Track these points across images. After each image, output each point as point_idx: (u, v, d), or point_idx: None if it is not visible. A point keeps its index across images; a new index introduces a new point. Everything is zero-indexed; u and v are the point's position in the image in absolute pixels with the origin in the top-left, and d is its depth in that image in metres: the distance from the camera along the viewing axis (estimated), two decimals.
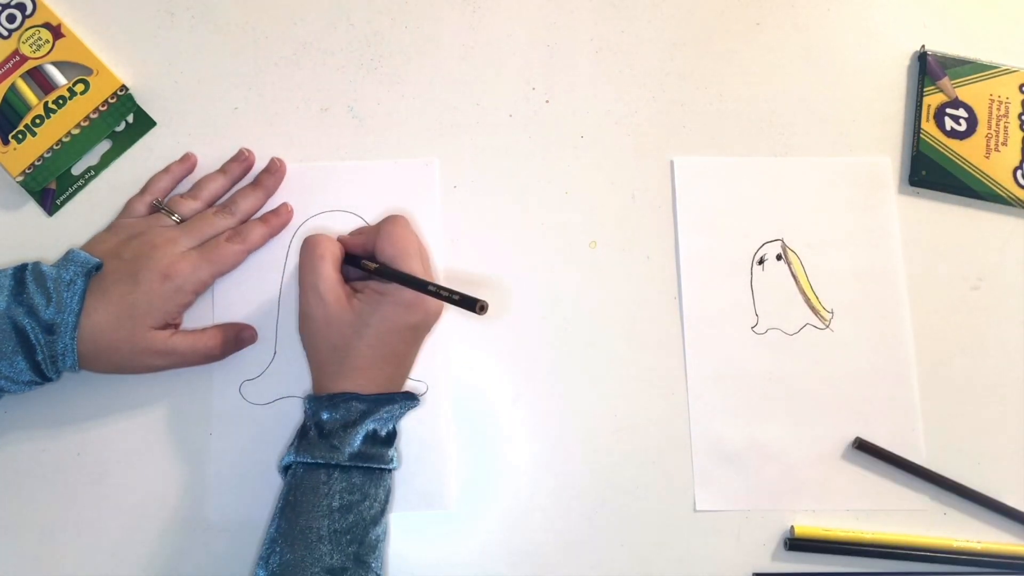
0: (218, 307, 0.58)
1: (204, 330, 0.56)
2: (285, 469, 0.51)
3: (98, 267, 0.53)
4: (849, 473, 0.58)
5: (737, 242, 0.61)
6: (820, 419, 0.59)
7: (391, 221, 0.54)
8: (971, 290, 0.61)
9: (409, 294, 0.51)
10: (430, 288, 0.49)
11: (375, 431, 0.51)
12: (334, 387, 0.51)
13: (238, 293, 0.59)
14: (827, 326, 0.60)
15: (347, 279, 0.55)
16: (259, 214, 0.59)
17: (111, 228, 0.58)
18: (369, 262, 0.53)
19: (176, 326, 0.56)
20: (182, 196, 0.58)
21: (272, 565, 0.47)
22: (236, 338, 0.57)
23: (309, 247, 0.54)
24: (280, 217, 0.59)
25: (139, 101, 0.61)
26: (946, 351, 0.61)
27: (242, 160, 0.60)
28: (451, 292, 0.47)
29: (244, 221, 0.58)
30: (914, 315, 0.61)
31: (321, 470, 0.49)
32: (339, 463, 0.49)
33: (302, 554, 0.47)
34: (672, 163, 0.62)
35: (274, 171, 0.60)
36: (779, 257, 0.61)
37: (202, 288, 0.55)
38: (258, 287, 0.59)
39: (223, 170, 0.60)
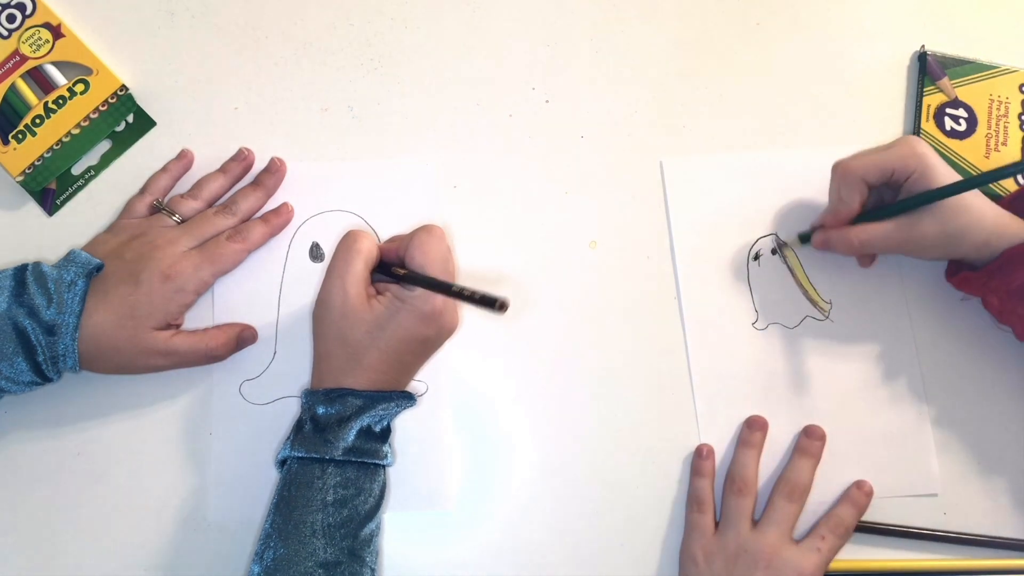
0: (218, 307, 0.58)
1: (205, 330, 0.56)
2: (281, 463, 0.51)
3: (99, 268, 0.53)
4: (858, 464, 0.58)
5: (731, 239, 0.61)
6: (826, 412, 0.59)
7: (425, 230, 0.52)
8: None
9: (427, 307, 0.50)
10: (452, 289, 0.49)
11: (369, 426, 0.51)
12: (335, 382, 0.51)
13: (238, 293, 0.59)
14: (827, 317, 0.60)
15: (373, 283, 0.54)
16: (260, 213, 0.59)
17: (112, 229, 0.58)
18: (399, 268, 0.53)
19: (177, 326, 0.56)
20: (182, 196, 0.58)
21: (266, 560, 0.47)
22: (237, 338, 0.57)
23: (348, 240, 0.53)
24: (281, 216, 0.59)
25: (139, 101, 0.61)
26: (949, 335, 0.60)
27: (242, 159, 0.60)
28: (472, 292, 0.48)
29: (245, 220, 0.58)
30: (914, 302, 0.61)
31: (316, 465, 0.49)
32: (333, 458, 0.49)
33: (296, 548, 0.47)
34: (661, 163, 0.62)
35: (274, 171, 0.60)
36: (774, 251, 0.61)
37: (203, 288, 0.55)
38: (258, 287, 0.59)
39: (223, 170, 0.60)
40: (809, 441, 0.58)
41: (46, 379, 0.52)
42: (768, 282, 0.61)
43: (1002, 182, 0.62)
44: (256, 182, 0.60)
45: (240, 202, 0.58)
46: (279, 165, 0.60)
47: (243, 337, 0.57)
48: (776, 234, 0.62)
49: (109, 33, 0.62)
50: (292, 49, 0.63)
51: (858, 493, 0.57)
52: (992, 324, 0.60)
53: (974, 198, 0.54)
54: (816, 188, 0.62)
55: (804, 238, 0.60)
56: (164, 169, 0.60)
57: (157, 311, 0.53)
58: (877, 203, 0.58)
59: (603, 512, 0.57)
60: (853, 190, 0.56)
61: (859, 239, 0.56)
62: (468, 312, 0.59)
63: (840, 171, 0.57)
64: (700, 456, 0.58)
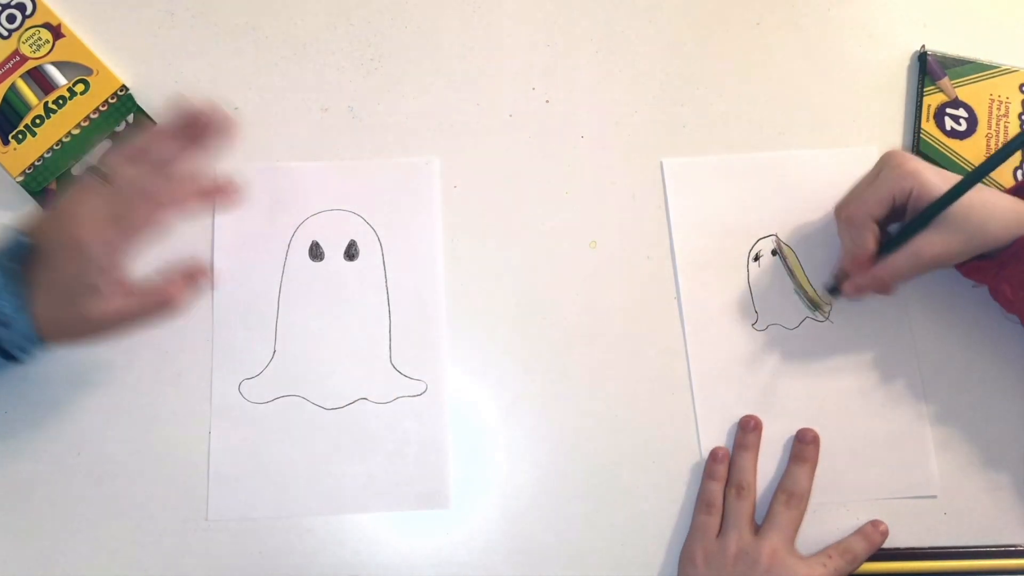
0: (218, 305, 0.58)
1: (152, 283, 0.52)
2: None
3: (28, 250, 0.50)
4: (858, 465, 0.58)
5: (732, 239, 0.61)
6: (826, 413, 0.59)
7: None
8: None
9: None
10: None
11: None
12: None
13: (238, 292, 0.59)
14: (827, 318, 0.60)
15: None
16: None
17: (47, 205, 0.56)
18: None
19: (126, 286, 0.52)
20: (118, 158, 0.53)
21: None
22: (186, 282, 0.53)
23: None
24: (217, 185, 0.55)
25: (139, 101, 0.61)
26: (949, 337, 0.60)
27: (184, 114, 0.52)
28: None
29: (176, 178, 0.52)
30: (914, 303, 0.61)
31: None
32: None
33: None
34: (661, 164, 0.62)
35: (209, 123, 0.52)
36: (774, 252, 0.61)
37: (116, 253, 0.50)
38: (258, 286, 0.59)
39: (163, 128, 0.53)
40: (803, 446, 0.57)
41: (18, 360, 0.51)
42: (768, 283, 0.61)
43: (994, 176, 0.62)
44: (187, 137, 0.52)
45: (166, 159, 0.52)
46: (217, 115, 0.52)
47: (193, 279, 0.53)
48: (776, 235, 0.62)
49: (109, 33, 0.63)
50: (292, 49, 0.63)
51: (873, 530, 0.56)
52: (995, 319, 0.60)
53: (979, 193, 0.53)
54: (816, 189, 0.62)
55: (833, 291, 0.59)
56: (122, 145, 0.55)
57: (84, 285, 0.50)
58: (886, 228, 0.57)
59: (602, 512, 0.57)
60: (864, 232, 0.55)
61: (889, 275, 0.55)
62: (467, 311, 0.59)
63: (845, 217, 0.57)
64: (714, 459, 0.57)
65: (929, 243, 0.54)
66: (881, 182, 0.55)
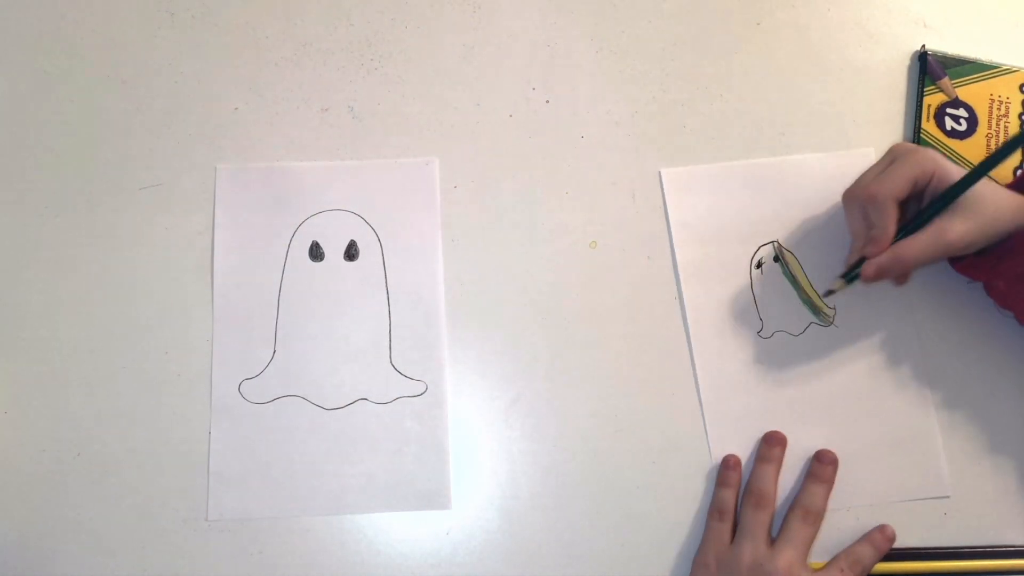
0: (218, 305, 0.58)
1: None
2: None
3: None
4: (870, 469, 0.58)
5: (733, 247, 0.61)
6: (834, 418, 0.59)
7: None
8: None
9: None
10: None
11: None
12: None
13: (238, 292, 0.59)
14: (831, 322, 0.60)
15: None
16: None
17: None
18: None
19: None
20: None
21: None
22: None
23: None
24: None
25: (138, 100, 0.61)
26: (954, 337, 0.60)
27: None
28: None
29: None
30: (917, 304, 0.61)
31: None
32: None
33: None
34: (660, 174, 0.62)
35: None
36: (776, 258, 0.61)
37: None
38: (258, 286, 0.59)
39: None
40: (821, 466, 0.57)
41: None
42: (772, 290, 0.61)
43: (993, 174, 0.61)
44: None
45: None
46: None
47: None
48: (777, 241, 0.61)
49: (109, 33, 0.63)
50: (292, 49, 0.63)
51: (880, 537, 0.56)
52: (1000, 320, 0.60)
53: (987, 186, 0.53)
54: (816, 193, 0.62)
55: (850, 278, 0.57)
56: None
57: None
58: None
59: (603, 513, 0.57)
60: (885, 213, 0.54)
61: (912, 255, 0.54)
62: (467, 311, 0.59)
63: (866, 197, 0.55)
64: (727, 467, 0.57)
65: (952, 225, 0.53)
66: (901, 165, 0.54)
